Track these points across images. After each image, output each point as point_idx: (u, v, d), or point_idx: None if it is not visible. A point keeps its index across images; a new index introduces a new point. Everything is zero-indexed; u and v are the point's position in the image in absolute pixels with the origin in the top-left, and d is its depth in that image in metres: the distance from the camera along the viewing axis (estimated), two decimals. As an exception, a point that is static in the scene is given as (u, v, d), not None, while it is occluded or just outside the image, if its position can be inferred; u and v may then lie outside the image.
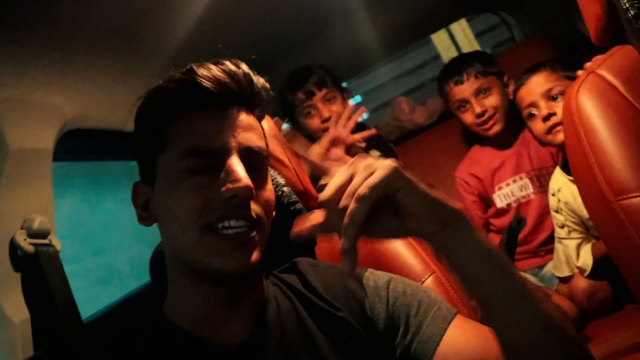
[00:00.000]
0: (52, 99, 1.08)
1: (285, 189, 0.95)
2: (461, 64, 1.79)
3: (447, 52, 4.90)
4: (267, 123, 1.10)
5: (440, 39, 4.85)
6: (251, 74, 0.75)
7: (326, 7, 1.73)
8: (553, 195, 1.57)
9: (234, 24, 1.45)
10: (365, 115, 1.95)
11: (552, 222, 1.64)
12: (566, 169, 1.51)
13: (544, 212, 1.71)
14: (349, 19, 1.91)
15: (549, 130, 1.46)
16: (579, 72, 1.12)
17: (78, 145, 1.32)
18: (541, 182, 1.74)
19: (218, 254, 0.68)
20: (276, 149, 1.06)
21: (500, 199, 1.77)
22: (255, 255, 0.70)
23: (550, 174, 1.72)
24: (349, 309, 0.78)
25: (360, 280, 0.82)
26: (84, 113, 1.20)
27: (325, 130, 1.80)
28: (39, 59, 1.02)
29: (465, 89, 1.74)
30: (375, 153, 1.96)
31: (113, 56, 1.21)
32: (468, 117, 1.77)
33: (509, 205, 1.76)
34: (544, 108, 1.46)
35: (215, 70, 0.72)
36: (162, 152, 0.73)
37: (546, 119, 1.45)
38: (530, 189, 1.74)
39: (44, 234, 0.97)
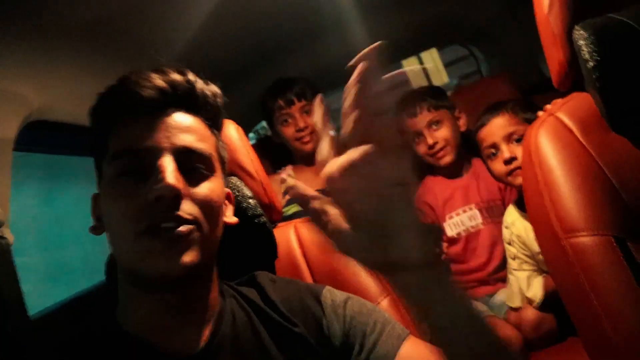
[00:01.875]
0: (19, 87, 1.06)
1: (250, 201, 0.96)
2: (414, 98, 1.85)
3: (415, 79, 5.03)
4: (236, 132, 1.11)
5: (409, 65, 4.98)
6: (194, 79, 0.75)
7: (306, 22, 1.76)
8: (506, 227, 1.63)
9: (220, 29, 1.46)
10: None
11: (502, 252, 1.70)
12: (520, 205, 1.57)
13: (494, 242, 1.77)
14: (327, 36, 1.96)
15: (510, 173, 1.51)
16: (539, 113, 1.18)
17: (39, 137, 1.28)
18: (490, 213, 1.80)
19: (149, 256, 0.65)
20: (244, 160, 1.07)
21: (451, 228, 1.82)
22: (190, 257, 0.66)
23: (498, 206, 1.80)
24: (306, 325, 0.79)
25: (318, 297, 0.83)
26: (51, 105, 1.18)
27: (299, 139, 1.83)
28: (9, 45, 1.00)
29: (418, 121, 1.81)
30: None
31: (88, 51, 1.19)
32: (421, 148, 1.83)
33: (458, 234, 1.82)
34: (505, 151, 1.51)
35: (151, 76, 0.72)
36: (103, 159, 0.73)
37: (507, 162, 1.51)
38: (479, 219, 1.80)
39: (-3, 226, 0.95)
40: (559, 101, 1.03)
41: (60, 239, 3.38)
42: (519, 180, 1.48)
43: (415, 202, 1.81)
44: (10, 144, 1.03)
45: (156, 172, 0.67)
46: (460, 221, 1.82)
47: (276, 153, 2.17)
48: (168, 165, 0.67)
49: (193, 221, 0.68)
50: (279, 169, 2.02)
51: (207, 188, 0.72)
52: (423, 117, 1.80)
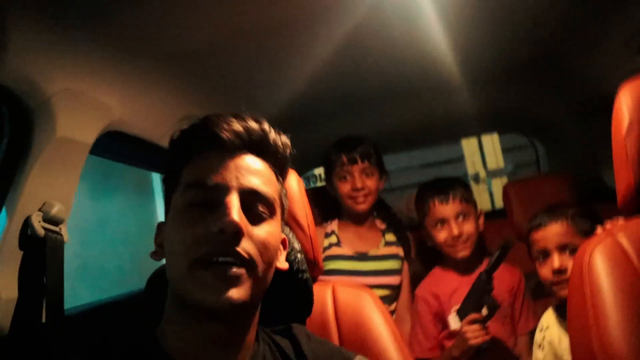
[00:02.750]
0: (108, 98, 1.13)
1: (299, 255, 0.97)
2: (449, 186, 1.85)
3: (471, 157, 5.02)
4: (297, 184, 1.14)
5: (468, 143, 4.99)
6: (269, 128, 0.81)
7: (378, 85, 1.83)
8: (540, 331, 1.57)
9: (299, 79, 1.53)
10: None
11: (505, 349, 1.68)
12: (559, 311, 1.52)
13: (496, 340, 1.72)
14: (397, 101, 2.02)
15: (556, 283, 1.46)
16: (598, 230, 1.16)
17: (113, 145, 1.35)
18: (498, 313, 1.77)
19: (202, 286, 0.69)
20: (299, 212, 1.10)
21: (455, 321, 1.78)
22: (239, 293, 0.70)
23: (505, 307, 1.75)
24: None
25: None
26: (130, 118, 1.25)
27: (353, 198, 1.85)
28: (109, 60, 1.08)
29: (448, 209, 1.80)
30: (390, 237, 1.99)
31: (175, 78, 1.27)
32: (442, 236, 1.81)
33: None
34: (556, 261, 1.46)
35: (231, 120, 0.78)
36: (175, 190, 0.78)
37: (556, 273, 1.46)
38: None
39: (57, 222, 1.00)
40: (621, 223, 1.01)
41: (99, 241, 3.46)
42: (564, 292, 1.42)
43: (419, 292, 1.79)
44: (87, 148, 1.10)
45: (222, 208, 0.71)
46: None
47: (326, 203, 2.20)
48: (234, 202, 0.71)
49: (249, 260, 0.72)
50: (326, 220, 2.04)
51: (266, 230, 0.76)
52: (454, 207, 1.80)
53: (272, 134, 0.81)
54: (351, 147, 1.89)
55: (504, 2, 1.26)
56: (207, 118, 0.79)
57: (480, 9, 1.28)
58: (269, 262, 0.76)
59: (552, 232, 1.50)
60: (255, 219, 0.75)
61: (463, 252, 1.79)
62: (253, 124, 0.79)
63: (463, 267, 1.85)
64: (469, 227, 1.79)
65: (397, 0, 1.16)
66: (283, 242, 0.86)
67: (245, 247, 0.71)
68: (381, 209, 2.08)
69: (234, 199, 0.72)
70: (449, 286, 1.83)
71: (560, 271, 1.44)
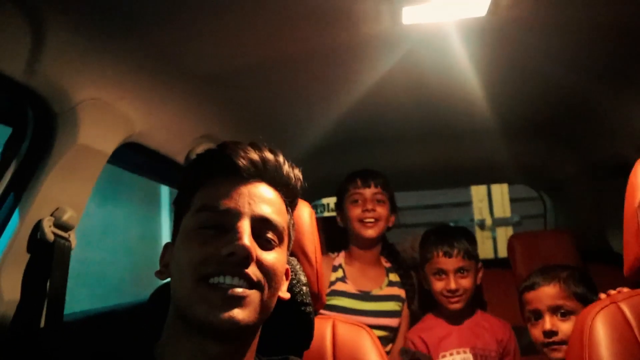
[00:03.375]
0: (131, 110, 1.15)
1: (304, 288, 0.97)
2: (454, 239, 1.86)
3: (479, 203, 5.02)
4: (309, 216, 1.15)
5: (477, 190, 4.99)
6: (283, 161, 0.83)
7: (397, 126, 1.86)
8: None
9: (322, 113, 1.55)
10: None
11: None
12: None
13: None
14: (412, 142, 2.04)
15: (547, 345, 1.46)
16: (602, 296, 1.16)
17: (129, 156, 1.37)
18: None
19: (209, 304, 0.70)
20: (308, 245, 1.10)
21: None
22: (243, 315, 0.71)
23: (492, 357, 1.75)
24: None
25: None
26: (150, 132, 1.27)
27: (362, 220, 1.87)
28: (136, 73, 1.11)
29: (449, 262, 1.83)
30: (394, 277, 1.99)
31: (198, 98, 1.29)
32: (439, 286, 1.83)
33: None
34: (548, 323, 1.46)
35: (247, 148, 0.80)
36: (185, 214, 0.79)
37: (547, 334, 1.45)
38: None
39: (67, 228, 1.01)
40: (626, 292, 1.01)
41: (102, 248, 3.46)
42: (554, 354, 1.42)
43: (410, 335, 1.79)
44: (106, 158, 1.12)
45: (233, 232, 0.72)
46: None
47: (333, 234, 2.20)
48: (245, 228, 0.73)
49: (256, 283, 0.73)
50: (332, 250, 2.04)
51: (274, 257, 0.78)
52: (456, 262, 1.82)
53: (286, 167, 0.83)
54: (366, 174, 1.93)
55: (534, 63, 1.28)
56: (224, 145, 0.81)
57: (512, 64, 1.30)
58: (275, 288, 0.78)
59: (545, 294, 1.50)
60: (264, 245, 0.76)
61: (456, 305, 1.81)
62: (269, 155, 0.81)
63: (454, 317, 1.86)
64: (466, 283, 1.81)
65: (432, 47, 1.19)
66: (286, 273, 0.87)
67: (254, 271, 0.73)
68: (387, 247, 2.08)
69: (246, 225, 0.74)
70: (438, 334, 1.84)
71: (551, 333, 1.44)
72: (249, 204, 0.76)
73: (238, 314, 0.70)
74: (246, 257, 0.72)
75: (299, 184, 0.86)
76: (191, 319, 0.71)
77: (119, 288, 3.39)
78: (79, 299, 2.95)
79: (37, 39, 0.86)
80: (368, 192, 1.90)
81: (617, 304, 0.93)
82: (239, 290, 0.71)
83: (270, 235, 0.78)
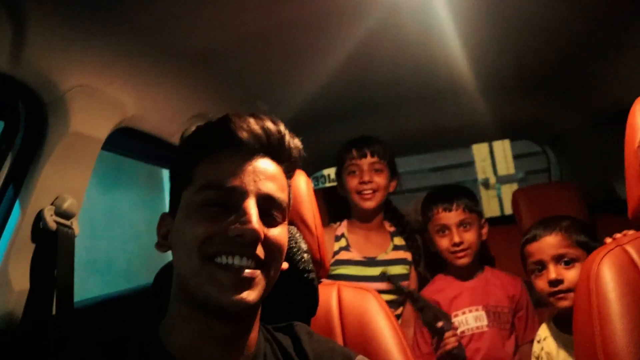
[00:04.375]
0: (122, 95, 1.14)
1: (305, 255, 0.98)
2: (453, 194, 1.88)
3: (481, 162, 5.00)
4: (306, 185, 1.14)
5: (479, 149, 4.97)
6: (285, 132, 0.81)
7: (391, 89, 1.84)
8: (538, 342, 1.57)
9: (315, 81, 1.53)
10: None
11: (506, 357, 1.70)
12: (557, 323, 1.51)
13: (497, 345, 1.74)
14: (408, 105, 2.03)
15: (553, 294, 1.46)
16: (607, 240, 1.15)
17: (125, 141, 1.37)
18: (496, 317, 1.78)
19: (219, 286, 0.70)
20: (307, 214, 1.10)
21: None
22: (254, 296, 0.72)
23: (505, 313, 1.76)
24: None
25: None
26: (144, 115, 1.26)
27: (360, 192, 1.86)
28: (125, 56, 1.09)
29: (451, 216, 1.84)
30: (399, 241, 1.99)
31: (190, 77, 1.28)
32: (444, 243, 1.85)
33: (462, 332, 1.78)
34: (552, 272, 1.46)
35: (249, 120, 0.77)
36: (185, 188, 0.78)
37: (553, 284, 1.46)
38: (485, 321, 1.77)
39: (69, 216, 1.01)
40: (630, 234, 1.01)
41: (110, 235, 3.49)
42: (561, 303, 1.44)
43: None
44: (100, 144, 1.11)
45: (242, 212, 0.72)
46: (465, 320, 1.80)
47: (335, 203, 2.21)
48: (253, 209, 0.72)
49: (264, 262, 0.74)
50: (334, 221, 2.04)
51: (279, 233, 0.78)
52: (457, 215, 1.83)
53: (288, 138, 0.82)
54: (362, 143, 1.91)
55: (521, 13, 1.25)
56: (225, 118, 0.79)
57: (496, 18, 1.28)
58: (279, 264, 0.79)
59: (547, 243, 1.50)
60: (269, 223, 0.76)
61: (463, 260, 1.81)
62: (271, 126, 0.79)
63: (464, 274, 1.87)
64: (470, 236, 1.82)
65: (413, 4, 1.16)
66: None
67: (261, 250, 0.73)
68: (390, 211, 2.08)
69: (252, 204, 0.73)
70: (449, 294, 1.85)
71: (556, 282, 1.45)
72: (255, 181, 0.75)
73: (248, 295, 0.71)
74: (255, 240, 0.72)
75: (299, 154, 0.85)
76: (200, 298, 0.71)
77: (128, 273, 3.44)
78: (89, 286, 3.00)
79: (19, 29, 0.85)
80: (364, 162, 1.88)
81: (623, 247, 0.92)
82: (249, 271, 0.71)
83: (275, 212, 0.77)
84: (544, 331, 1.56)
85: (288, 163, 0.83)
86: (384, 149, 1.91)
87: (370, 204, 1.87)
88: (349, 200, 1.97)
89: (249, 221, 0.71)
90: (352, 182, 1.89)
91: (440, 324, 1.65)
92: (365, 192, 1.87)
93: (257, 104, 0.83)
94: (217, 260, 0.71)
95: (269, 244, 0.75)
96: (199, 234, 0.72)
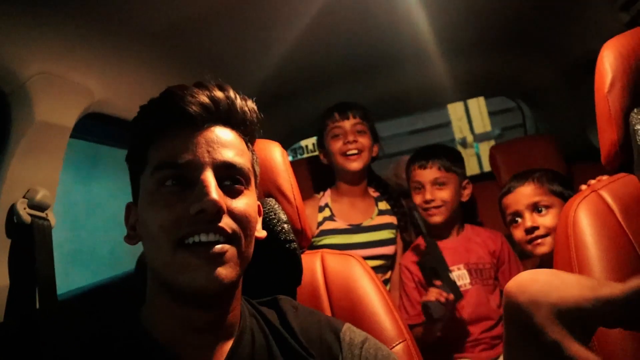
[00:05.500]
0: (86, 80, 1.11)
1: (285, 225, 0.98)
2: (431, 153, 1.91)
3: (458, 122, 5.03)
4: (281, 156, 1.14)
5: (455, 109, 4.99)
6: (234, 96, 0.77)
7: (359, 56, 1.82)
8: None
9: (280, 53, 1.51)
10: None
11: (493, 312, 1.75)
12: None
13: (481, 302, 1.77)
14: (379, 70, 2.01)
15: (530, 242, 1.55)
16: (582, 187, 1.18)
17: (91, 127, 1.34)
18: (478, 274, 1.81)
19: (188, 269, 0.68)
20: (284, 184, 1.09)
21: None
22: (227, 271, 0.69)
23: (487, 269, 1.81)
24: (322, 357, 0.80)
25: (337, 333, 0.84)
26: (111, 99, 1.23)
27: (345, 154, 1.86)
28: (85, 40, 1.06)
29: (425, 174, 1.87)
30: (383, 205, 2.00)
31: (154, 56, 1.25)
32: (417, 199, 1.89)
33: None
34: (528, 220, 1.55)
35: (194, 91, 0.74)
36: (142, 172, 0.75)
37: (529, 231, 1.55)
38: (467, 280, 1.80)
39: (43, 207, 0.99)
40: (604, 179, 1.02)
41: (91, 224, 3.46)
42: (539, 249, 1.52)
43: (403, 262, 1.82)
44: (68, 132, 1.08)
45: (200, 186, 0.69)
46: None
47: (315, 174, 2.20)
48: (210, 180, 0.70)
49: (232, 234, 0.71)
50: (318, 192, 2.04)
51: (245, 203, 0.75)
52: (431, 173, 1.86)
53: (239, 101, 0.78)
54: (343, 106, 1.92)
55: None
56: (168, 92, 0.75)
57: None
58: (250, 234, 0.76)
59: (521, 194, 1.58)
60: (232, 192, 0.74)
61: (435, 218, 1.84)
62: (218, 94, 0.76)
63: (443, 233, 1.90)
64: (444, 195, 1.84)
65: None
66: (258, 209, 0.84)
67: (227, 223, 0.70)
68: (373, 178, 2.09)
69: (209, 176, 0.70)
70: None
71: (532, 229, 1.53)
72: (208, 152, 0.72)
73: (220, 272, 0.69)
74: (217, 212, 0.69)
75: (255, 116, 0.82)
76: (175, 290, 0.70)
77: (112, 261, 3.42)
78: (74, 277, 2.98)
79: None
80: (347, 124, 1.88)
81: (597, 192, 0.94)
82: (218, 247, 0.69)
83: (237, 178, 0.75)
84: None
85: (244, 127, 0.80)
86: (364, 111, 1.92)
87: (356, 165, 1.87)
88: (332, 168, 1.96)
89: (206, 194, 0.68)
90: (336, 145, 1.89)
91: (437, 282, 1.66)
92: (351, 152, 1.87)
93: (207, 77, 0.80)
94: (186, 242, 0.69)
95: (234, 214, 0.72)
96: (164, 220, 0.69)
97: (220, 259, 0.69)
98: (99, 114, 1.24)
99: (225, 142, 0.75)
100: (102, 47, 1.12)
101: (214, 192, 0.68)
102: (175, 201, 0.70)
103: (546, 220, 1.54)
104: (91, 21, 1.03)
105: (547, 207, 1.54)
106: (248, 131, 0.82)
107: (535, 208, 1.55)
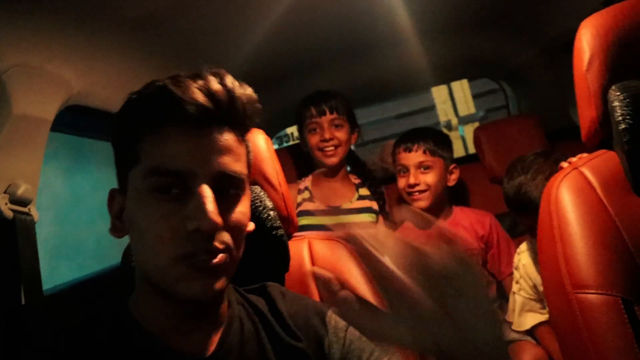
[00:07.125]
0: (64, 71, 1.09)
1: (271, 212, 0.98)
2: (417, 136, 1.91)
3: (442, 105, 5.04)
4: (265, 143, 1.13)
5: (439, 92, 5.00)
6: (234, 88, 0.71)
7: (342, 40, 1.81)
8: (518, 254, 1.66)
9: (262, 37, 1.50)
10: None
11: None
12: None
13: None
14: (362, 55, 2.00)
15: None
16: (563, 164, 1.19)
17: (72, 120, 1.32)
18: None
19: (185, 280, 0.67)
20: (270, 171, 1.09)
21: None
22: (221, 283, 0.69)
23: (475, 255, 1.83)
24: (309, 341, 0.81)
25: (323, 317, 0.85)
26: (91, 91, 1.21)
27: (322, 149, 1.87)
28: (60, 30, 1.04)
29: (410, 157, 1.88)
30: (364, 191, 2.01)
31: (133, 45, 1.23)
32: (402, 182, 1.90)
33: None
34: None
35: (193, 88, 0.67)
36: (133, 166, 0.71)
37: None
38: None
39: (25, 202, 0.98)
40: (584, 156, 1.04)
41: (76, 218, 3.43)
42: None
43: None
44: (48, 125, 1.07)
45: (197, 202, 0.66)
46: None
47: (301, 161, 2.20)
48: (207, 195, 0.66)
49: (225, 250, 0.69)
50: (301, 178, 2.05)
51: (240, 212, 0.73)
52: (416, 156, 1.87)
53: (238, 92, 0.71)
54: (319, 99, 1.91)
55: None
56: (164, 88, 0.68)
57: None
58: (243, 241, 0.75)
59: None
60: (228, 201, 0.71)
61: (419, 203, 1.85)
62: (217, 87, 0.69)
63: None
64: (428, 179, 1.84)
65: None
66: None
67: (224, 238, 0.69)
68: (355, 164, 2.10)
69: (206, 190, 0.66)
70: (416, 239, 1.88)
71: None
72: (205, 160, 0.68)
73: (218, 283, 0.69)
74: (215, 230, 0.66)
75: (255, 108, 0.75)
76: (166, 292, 0.69)
77: (98, 254, 3.40)
78: (61, 271, 2.96)
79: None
80: (324, 119, 1.89)
81: (579, 169, 0.95)
82: (215, 260, 0.67)
83: (232, 189, 0.72)
84: (524, 244, 1.65)
85: (243, 124, 0.75)
86: (341, 103, 1.91)
87: (333, 160, 1.89)
88: (312, 156, 1.97)
89: (204, 212, 0.65)
90: (314, 140, 1.90)
91: None
92: (328, 149, 1.88)
93: (199, 62, 0.76)
94: (184, 259, 0.67)
95: (230, 228, 0.70)
96: (161, 233, 0.66)
97: (216, 271, 0.69)
98: (79, 107, 1.22)
99: (223, 148, 0.70)
100: (79, 37, 1.10)
101: (212, 208, 0.65)
102: (170, 212, 0.67)
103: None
104: (65, 11, 1.01)
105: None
106: (245, 127, 0.77)
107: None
